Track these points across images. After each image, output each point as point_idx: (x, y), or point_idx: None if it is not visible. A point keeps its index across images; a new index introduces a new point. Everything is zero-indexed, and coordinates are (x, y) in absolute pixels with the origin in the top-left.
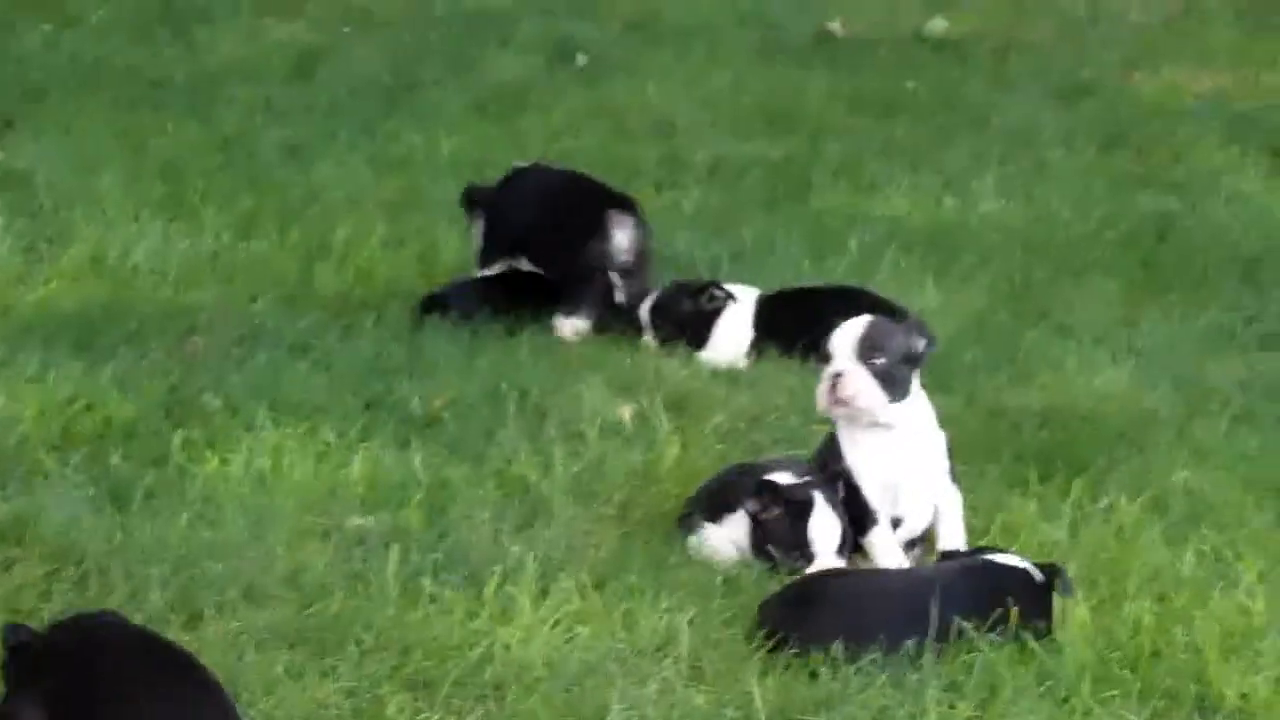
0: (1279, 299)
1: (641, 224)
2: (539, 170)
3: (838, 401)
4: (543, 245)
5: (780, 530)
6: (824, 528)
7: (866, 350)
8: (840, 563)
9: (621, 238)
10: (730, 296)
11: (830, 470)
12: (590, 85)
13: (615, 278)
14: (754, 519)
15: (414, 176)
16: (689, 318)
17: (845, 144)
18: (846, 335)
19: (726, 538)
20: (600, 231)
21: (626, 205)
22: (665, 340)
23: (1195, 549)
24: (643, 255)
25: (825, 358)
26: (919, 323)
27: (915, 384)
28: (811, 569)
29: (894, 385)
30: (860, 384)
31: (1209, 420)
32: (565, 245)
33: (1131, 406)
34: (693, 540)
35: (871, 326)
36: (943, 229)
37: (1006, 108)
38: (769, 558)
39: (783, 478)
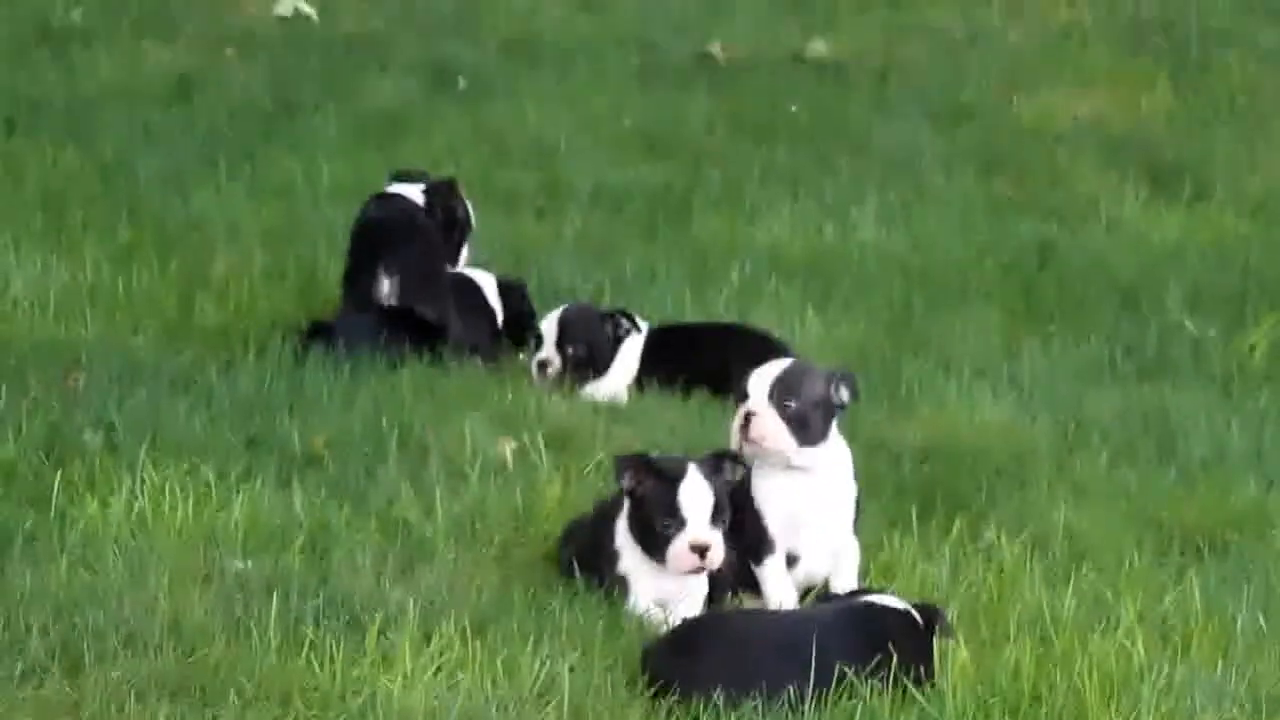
0: (1156, 328)
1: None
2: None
3: (748, 440)
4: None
5: (653, 499)
6: (694, 494)
7: (781, 393)
8: (715, 534)
9: (386, 283)
10: (636, 326)
11: (719, 453)
12: (470, 109)
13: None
14: (629, 495)
15: (294, 205)
16: (599, 342)
17: (726, 169)
18: (763, 377)
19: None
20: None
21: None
22: (569, 364)
23: (1075, 589)
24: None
25: (741, 396)
26: (847, 375)
27: (834, 431)
28: (681, 537)
29: (806, 430)
30: (770, 427)
31: (1089, 455)
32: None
33: (1012, 441)
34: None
35: (789, 370)
36: (823, 257)
37: (886, 131)
38: (646, 539)
39: None
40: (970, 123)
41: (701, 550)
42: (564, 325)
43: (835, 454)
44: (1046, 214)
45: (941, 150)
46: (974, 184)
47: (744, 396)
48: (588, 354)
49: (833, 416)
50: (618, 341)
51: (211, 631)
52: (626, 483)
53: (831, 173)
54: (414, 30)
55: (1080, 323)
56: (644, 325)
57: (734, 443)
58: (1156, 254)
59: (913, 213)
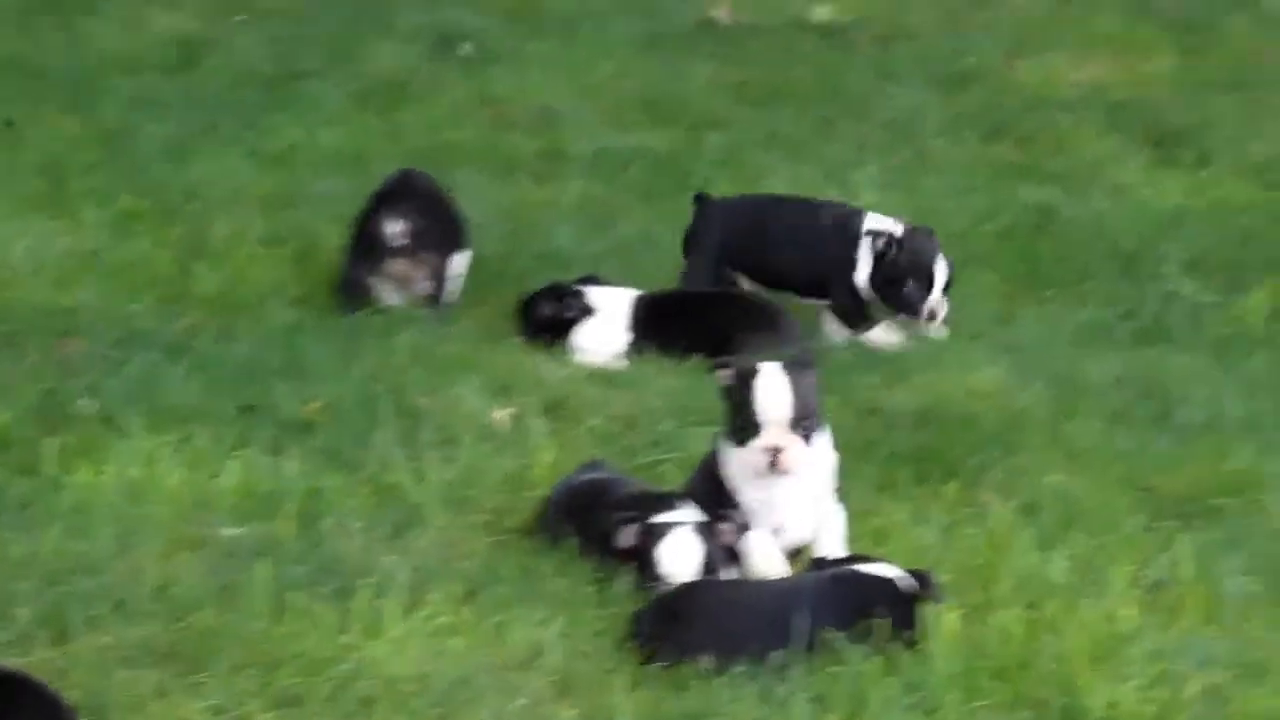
0: (1156, 294)
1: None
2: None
3: (779, 474)
4: None
5: (645, 557)
6: (676, 556)
7: (800, 419)
8: None
9: (390, 225)
10: (586, 309)
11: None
12: (472, 75)
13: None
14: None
15: (294, 171)
16: (546, 322)
17: (728, 135)
18: (778, 406)
19: None
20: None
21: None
22: (529, 340)
23: (1067, 554)
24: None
25: (753, 427)
26: (808, 351)
27: None
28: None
29: (814, 433)
30: (801, 455)
31: (1083, 420)
32: None
33: (1006, 406)
34: None
35: (797, 391)
36: None
37: (889, 97)
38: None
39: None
40: (973, 87)
41: None
42: (520, 308)
43: None
44: (1048, 179)
45: (944, 115)
46: (976, 149)
47: (755, 429)
48: (538, 333)
49: None
50: (572, 320)
51: (201, 598)
52: (623, 540)
53: (833, 138)
54: None
55: (1079, 288)
56: (621, 294)
57: (760, 475)
58: (1157, 219)
59: (915, 178)
